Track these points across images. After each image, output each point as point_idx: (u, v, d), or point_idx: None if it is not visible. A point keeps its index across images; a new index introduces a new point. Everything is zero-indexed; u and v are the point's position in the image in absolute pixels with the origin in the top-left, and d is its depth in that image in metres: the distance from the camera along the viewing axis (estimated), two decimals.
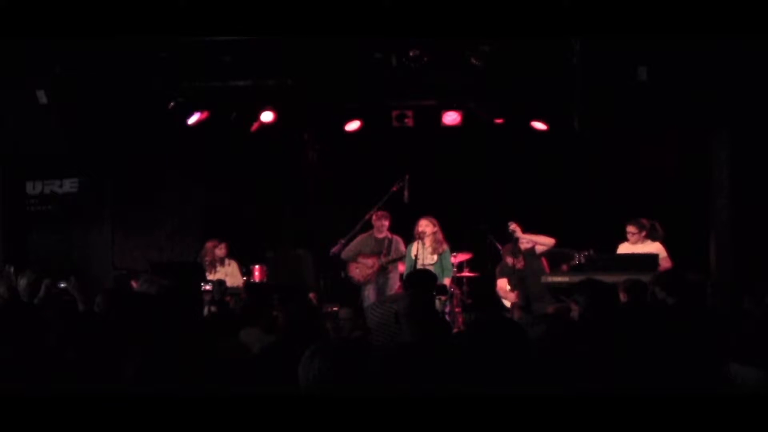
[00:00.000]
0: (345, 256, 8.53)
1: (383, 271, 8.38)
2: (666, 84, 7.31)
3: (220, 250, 8.31)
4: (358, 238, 8.51)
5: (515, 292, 7.52)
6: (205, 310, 5.97)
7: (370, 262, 8.45)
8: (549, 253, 7.77)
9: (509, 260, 7.65)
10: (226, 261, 8.35)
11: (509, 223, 7.64)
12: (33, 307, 5.34)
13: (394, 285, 8.34)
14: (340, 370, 2.57)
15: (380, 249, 8.43)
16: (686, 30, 6.08)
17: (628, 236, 7.47)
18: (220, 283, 6.85)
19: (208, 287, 7.01)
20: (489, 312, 8.01)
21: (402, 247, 8.27)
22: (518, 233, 7.60)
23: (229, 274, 8.18)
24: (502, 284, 7.77)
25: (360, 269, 8.48)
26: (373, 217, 8.43)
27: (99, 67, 7.64)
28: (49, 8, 6.09)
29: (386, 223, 8.42)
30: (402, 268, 8.22)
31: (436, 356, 3.31)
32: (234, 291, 7.61)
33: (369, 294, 8.35)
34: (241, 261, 8.57)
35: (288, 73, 7.83)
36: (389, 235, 8.45)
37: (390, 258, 8.35)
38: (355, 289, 8.59)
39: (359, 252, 8.49)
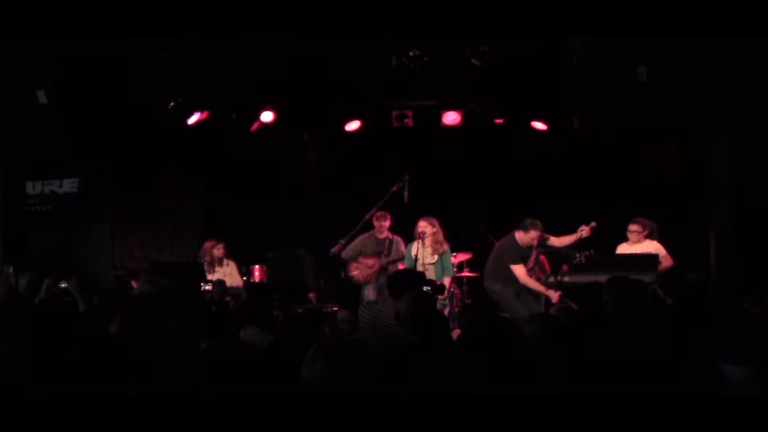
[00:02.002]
0: (345, 256, 8.53)
1: (384, 271, 8.37)
2: (666, 84, 7.31)
3: (218, 251, 8.29)
4: (359, 238, 8.52)
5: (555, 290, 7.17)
6: None
7: (370, 262, 8.46)
8: (549, 253, 7.75)
9: (532, 245, 7.47)
10: (225, 261, 8.33)
11: (589, 225, 7.30)
12: (33, 307, 5.35)
13: None
14: (341, 370, 2.58)
15: (381, 249, 8.44)
16: (686, 30, 6.09)
17: (630, 235, 7.45)
18: (220, 283, 6.87)
19: (208, 287, 7.00)
20: (486, 312, 7.98)
21: (402, 247, 8.28)
22: (584, 234, 7.32)
23: (228, 274, 8.16)
24: (522, 271, 7.34)
25: (360, 269, 8.49)
26: (374, 218, 8.43)
27: (99, 68, 7.63)
28: (49, 8, 6.09)
29: (387, 223, 8.43)
30: (402, 268, 8.22)
31: (436, 356, 3.31)
32: (234, 291, 7.62)
33: (369, 294, 8.35)
34: (240, 261, 8.57)
35: (288, 73, 7.83)
36: (390, 236, 8.45)
37: (390, 258, 8.36)
38: (355, 289, 8.58)
39: (360, 252, 8.49)
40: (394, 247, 8.39)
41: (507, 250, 7.43)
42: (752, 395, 2.80)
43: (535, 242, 7.35)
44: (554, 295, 7.14)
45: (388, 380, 2.92)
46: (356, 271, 8.51)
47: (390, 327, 4.61)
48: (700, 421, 2.45)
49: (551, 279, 7.32)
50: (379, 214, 8.42)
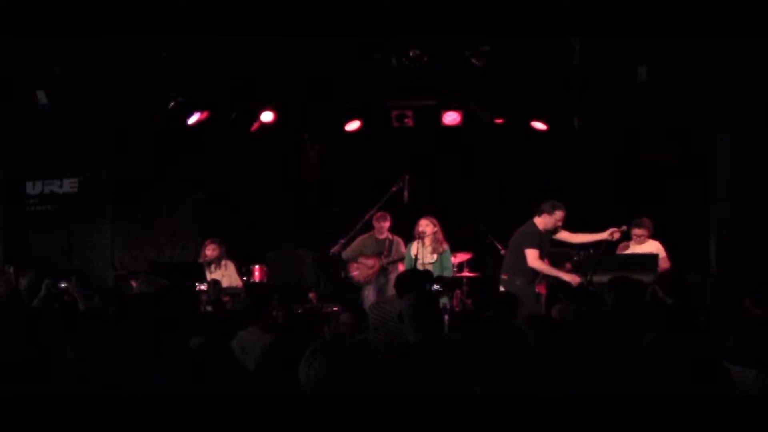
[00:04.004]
0: (346, 257, 8.53)
1: (384, 271, 8.39)
2: (666, 84, 7.30)
3: (211, 252, 8.22)
4: (359, 239, 8.52)
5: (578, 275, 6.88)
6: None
7: (370, 262, 8.46)
8: (549, 253, 7.74)
9: (556, 228, 7.35)
10: (223, 262, 8.30)
11: (621, 229, 7.16)
12: (33, 307, 5.35)
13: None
14: (340, 370, 2.57)
15: (381, 250, 8.45)
16: (686, 30, 6.09)
17: (635, 239, 7.44)
18: (215, 283, 6.85)
19: (203, 287, 6.98)
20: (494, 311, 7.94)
21: (402, 248, 8.28)
22: (616, 236, 7.17)
23: (226, 275, 8.14)
24: (534, 254, 7.03)
25: (360, 270, 8.49)
26: (374, 218, 8.43)
27: (99, 68, 7.63)
28: (49, 8, 6.09)
29: (387, 224, 8.44)
30: (402, 268, 8.21)
31: (437, 356, 3.31)
32: (231, 291, 7.61)
33: (369, 294, 8.36)
34: (240, 261, 8.56)
35: (288, 73, 7.82)
36: (390, 236, 8.46)
37: (390, 259, 8.36)
38: (355, 289, 8.59)
39: (360, 252, 8.50)
40: (394, 248, 8.39)
41: (525, 235, 7.16)
42: (755, 396, 2.80)
43: (560, 223, 7.18)
44: (576, 279, 6.86)
45: (388, 380, 2.92)
46: (356, 272, 8.51)
47: (400, 327, 4.60)
48: (700, 422, 2.45)
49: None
50: (379, 214, 8.42)
